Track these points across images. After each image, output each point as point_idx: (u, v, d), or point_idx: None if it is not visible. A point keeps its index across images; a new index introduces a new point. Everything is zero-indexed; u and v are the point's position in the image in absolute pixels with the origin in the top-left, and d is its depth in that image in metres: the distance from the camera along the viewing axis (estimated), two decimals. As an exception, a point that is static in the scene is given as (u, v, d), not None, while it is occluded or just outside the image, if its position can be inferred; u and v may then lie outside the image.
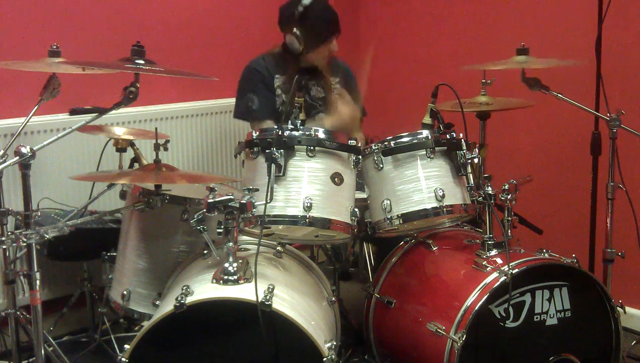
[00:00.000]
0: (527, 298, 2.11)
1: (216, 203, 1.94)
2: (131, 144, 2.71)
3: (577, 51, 3.01)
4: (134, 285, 2.40)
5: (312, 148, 2.06)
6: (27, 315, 2.23)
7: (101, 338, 2.72)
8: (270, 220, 2.03)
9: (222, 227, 1.99)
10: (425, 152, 2.19)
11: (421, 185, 2.18)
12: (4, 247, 2.00)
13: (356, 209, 2.15)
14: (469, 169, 2.23)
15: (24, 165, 1.90)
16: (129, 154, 2.72)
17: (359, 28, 4.07)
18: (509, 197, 2.24)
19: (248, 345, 1.88)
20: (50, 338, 2.41)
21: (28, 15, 2.92)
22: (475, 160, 2.24)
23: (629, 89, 2.94)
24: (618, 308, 2.21)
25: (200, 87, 3.46)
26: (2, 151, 2.04)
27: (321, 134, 2.09)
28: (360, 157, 2.17)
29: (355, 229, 2.16)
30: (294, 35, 2.86)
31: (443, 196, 2.16)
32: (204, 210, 1.95)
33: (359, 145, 2.17)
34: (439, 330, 2.11)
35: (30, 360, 2.37)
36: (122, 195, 2.57)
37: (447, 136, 2.23)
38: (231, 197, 1.95)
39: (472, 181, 2.23)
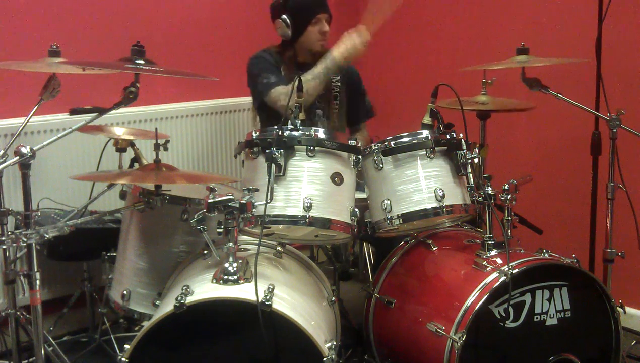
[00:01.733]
0: (527, 298, 2.11)
1: (216, 203, 1.94)
2: (131, 144, 2.71)
3: (577, 51, 3.01)
4: (134, 285, 2.40)
5: (312, 148, 2.06)
6: (27, 315, 2.23)
7: (101, 338, 2.73)
8: (270, 220, 2.03)
9: (222, 227, 1.99)
10: (425, 152, 2.19)
11: (421, 185, 2.18)
12: (4, 247, 2.00)
13: (356, 209, 2.15)
14: (469, 169, 2.23)
15: (24, 165, 1.90)
16: (129, 153, 2.72)
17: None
18: (509, 197, 2.23)
19: (248, 345, 1.88)
20: (50, 338, 2.41)
21: (28, 15, 2.92)
22: (475, 160, 2.24)
23: (629, 89, 2.94)
24: (618, 308, 2.21)
25: (200, 87, 3.46)
26: (2, 151, 2.04)
27: (321, 134, 2.09)
28: (360, 157, 2.17)
29: (356, 229, 2.16)
30: (282, 21, 2.85)
31: (443, 196, 2.16)
32: (204, 210, 1.95)
33: (359, 144, 2.17)
34: (439, 330, 2.11)
35: (30, 360, 2.36)
36: (122, 195, 2.57)
37: (447, 136, 2.22)
38: (231, 197, 1.95)
39: (472, 181, 2.23)
